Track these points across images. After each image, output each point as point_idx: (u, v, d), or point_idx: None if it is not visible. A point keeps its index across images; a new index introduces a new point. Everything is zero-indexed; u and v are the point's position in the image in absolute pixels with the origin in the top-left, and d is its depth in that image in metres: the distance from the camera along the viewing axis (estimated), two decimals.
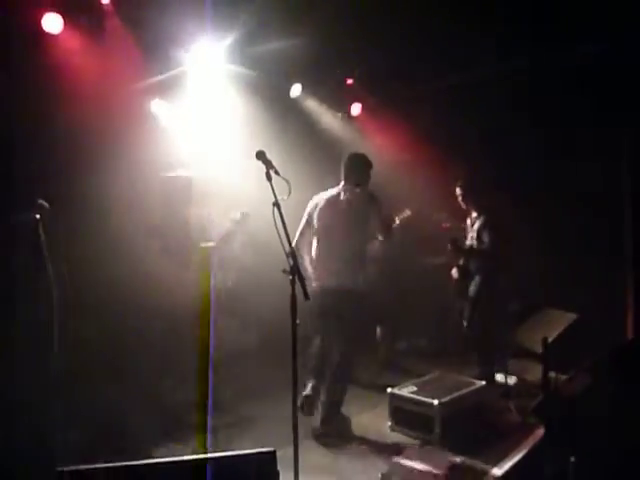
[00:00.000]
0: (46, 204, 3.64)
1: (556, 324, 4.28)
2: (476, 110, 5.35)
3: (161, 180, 4.58)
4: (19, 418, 3.05)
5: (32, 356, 3.38)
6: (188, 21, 4.07)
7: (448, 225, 5.58)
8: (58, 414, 3.28)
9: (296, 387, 2.53)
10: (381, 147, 5.34)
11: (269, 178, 2.60)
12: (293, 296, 2.54)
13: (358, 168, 3.96)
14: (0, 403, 3.11)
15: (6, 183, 3.48)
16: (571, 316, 4.31)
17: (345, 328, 3.81)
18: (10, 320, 3.31)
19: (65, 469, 2.03)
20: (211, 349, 3.89)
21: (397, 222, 4.51)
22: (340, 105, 5.79)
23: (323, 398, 3.76)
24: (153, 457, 2.17)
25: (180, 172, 4.46)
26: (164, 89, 4.43)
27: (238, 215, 4.73)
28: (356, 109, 5.85)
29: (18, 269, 3.31)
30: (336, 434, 3.72)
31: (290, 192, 2.62)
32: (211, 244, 4.49)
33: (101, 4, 3.90)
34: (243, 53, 4.58)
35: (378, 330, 5.34)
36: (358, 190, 3.90)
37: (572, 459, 2.81)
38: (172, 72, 4.34)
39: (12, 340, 3.30)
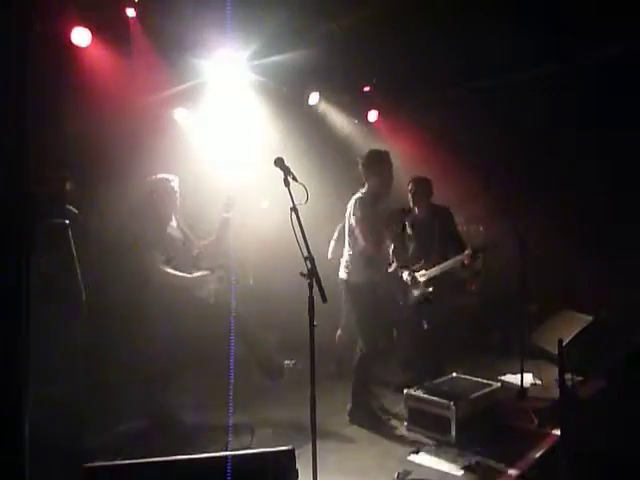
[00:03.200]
0: (74, 210, 3.81)
1: (572, 326, 4.30)
2: (492, 114, 5.40)
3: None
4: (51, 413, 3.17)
5: (62, 359, 3.52)
6: (210, 32, 4.21)
7: (464, 229, 5.61)
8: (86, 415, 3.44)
9: (314, 386, 2.60)
10: (397, 152, 5.40)
11: (287, 184, 2.70)
12: (310, 298, 2.62)
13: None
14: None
15: (36, 189, 3.64)
16: (587, 318, 4.32)
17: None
18: (41, 322, 3.45)
19: (91, 465, 2.14)
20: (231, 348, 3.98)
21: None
22: (357, 112, 5.88)
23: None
24: (172, 455, 2.24)
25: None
26: (187, 98, 4.57)
27: (225, 199, 4.23)
28: (373, 116, 5.93)
29: (49, 272, 3.46)
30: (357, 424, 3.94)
31: (307, 198, 2.70)
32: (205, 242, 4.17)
33: (127, 17, 4.07)
34: (262, 62, 4.71)
35: (394, 331, 5.37)
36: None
37: (588, 460, 2.84)
38: (194, 82, 4.48)
39: (42, 341, 3.44)
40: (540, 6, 4.32)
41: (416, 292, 4.44)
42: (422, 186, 4.57)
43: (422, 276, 4.43)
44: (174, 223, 4.00)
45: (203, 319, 3.90)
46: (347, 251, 4.12)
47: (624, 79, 4.82)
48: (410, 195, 4.61)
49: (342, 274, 4.12)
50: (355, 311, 4.07)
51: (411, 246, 4.57)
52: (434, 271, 4.37)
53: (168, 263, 3.82)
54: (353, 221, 4.02)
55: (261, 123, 5.01)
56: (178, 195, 3.97)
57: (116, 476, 2.18)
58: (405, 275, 4.46)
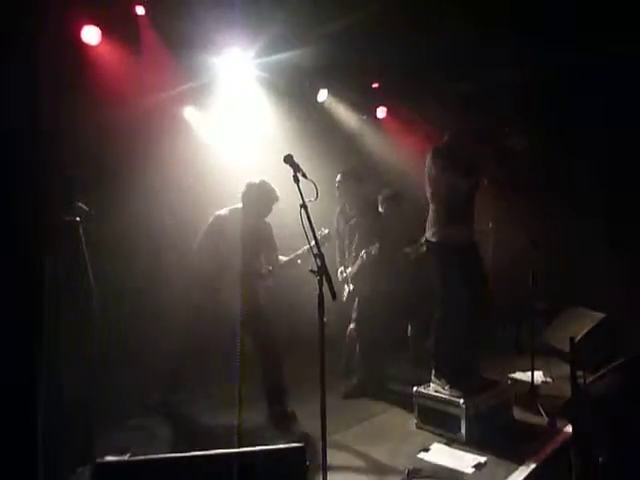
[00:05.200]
0: (85, 207, 3.83)
1: (584, 323, 4.26)
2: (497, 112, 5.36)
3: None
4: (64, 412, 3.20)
5: (74, 355, 3.55)
6: (219, 30, 4.22)
7: None
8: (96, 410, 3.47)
9: (324, 384, 2.59)
10: (405, 149, 5.39)
11: (296, 181, 2.70)
12: (320, 296, 2.62)
13: None
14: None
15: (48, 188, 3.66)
16: (599, 315, 4.28)
17: None
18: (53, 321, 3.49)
19: (103, 461, 2.16)
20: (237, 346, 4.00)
21: None
22: (366, 109, 5.87)
23: None
24: (183, 452, 2.25)
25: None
26: (196, 97, 4.59)
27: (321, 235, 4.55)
28: (381, 113, 5.92)
29: (58, 272, 3.49)
30: None
31: (317, 194, 2.70)
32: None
33: (136, 15, 4.09)
34: (271, 60, 4.72)
35: (409, 328, 5.36)
36: None
37: (600, 459, 2.81)
38: (204, 80, 4.49)
39: (56, 339, 3.48)
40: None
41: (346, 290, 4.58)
42: (346, 181, 4.54)
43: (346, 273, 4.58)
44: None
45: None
46: None
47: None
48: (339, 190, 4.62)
49: None
50: None
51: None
52: (353, 268, 4.53)
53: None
54: None
55: (270, 120, 5.02)
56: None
57: (126, 472, 2.20)
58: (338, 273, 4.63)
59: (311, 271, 2.64)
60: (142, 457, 2.21)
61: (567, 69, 5.13)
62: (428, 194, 3.93)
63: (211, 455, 2.28)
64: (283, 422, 3.82)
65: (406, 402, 4.13)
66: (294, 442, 2.30)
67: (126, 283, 4.20)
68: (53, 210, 3.49)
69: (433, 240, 3.87)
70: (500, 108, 5.39)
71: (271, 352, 3.92)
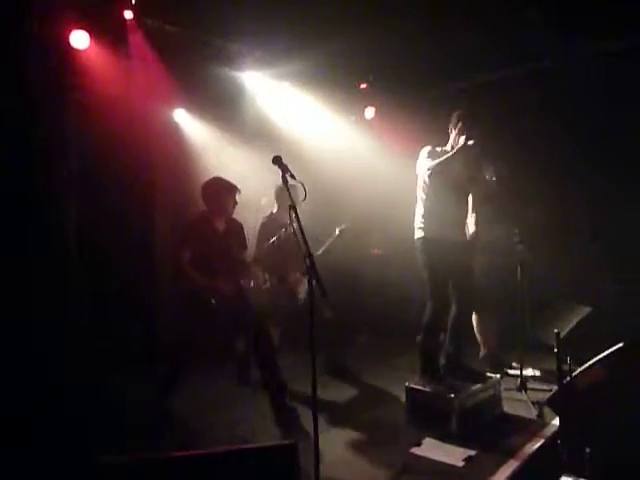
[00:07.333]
0: None
1: (570, 317, 4.32)
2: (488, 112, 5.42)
3: None
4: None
5: None
6: (211, 33, 4.25)
7: None
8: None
9: (315, 380, 2.62)
10: (393, 150, 5.43)
11: (285, 182, 2.74)
12: (310, 294, 2.66)
13: None
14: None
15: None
16: (585, 309, 4.34)
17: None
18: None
19: (104, 460, 2.17)
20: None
21: None
22: (354, 109, 5.89)
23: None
24: (173, 450, 2.28)
25: None
26: (186, 100, 4.61)
27: (337, 231, 4.70)
28: (370, 113, 5.93)
29: None
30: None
31: (306, 195, 2.74)
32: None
33: (125, 20, 4.11)
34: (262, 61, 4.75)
35: None
36: None
37: (587, 450, 2.86)
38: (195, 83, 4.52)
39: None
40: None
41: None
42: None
43: None
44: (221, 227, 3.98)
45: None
46: None
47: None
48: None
49: None
50: None
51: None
52: None
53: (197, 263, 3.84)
54: None
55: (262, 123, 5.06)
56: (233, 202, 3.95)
57: (122, 471, 2.22)
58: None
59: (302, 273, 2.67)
60: (137, 456, 2.23)
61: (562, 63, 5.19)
62: (418, 191, 3.99)
63: (203, 454, 2.31)
64: (285, 417, 3.80)
65: (397, 397, 4.19)
66: (286, 439, 2.34)
67: None
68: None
69: (421, 236, 3.93)
70: (494, 106, 5.47)
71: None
